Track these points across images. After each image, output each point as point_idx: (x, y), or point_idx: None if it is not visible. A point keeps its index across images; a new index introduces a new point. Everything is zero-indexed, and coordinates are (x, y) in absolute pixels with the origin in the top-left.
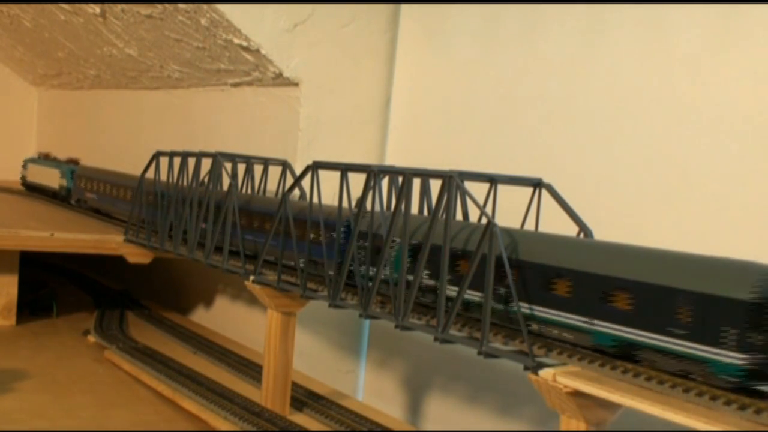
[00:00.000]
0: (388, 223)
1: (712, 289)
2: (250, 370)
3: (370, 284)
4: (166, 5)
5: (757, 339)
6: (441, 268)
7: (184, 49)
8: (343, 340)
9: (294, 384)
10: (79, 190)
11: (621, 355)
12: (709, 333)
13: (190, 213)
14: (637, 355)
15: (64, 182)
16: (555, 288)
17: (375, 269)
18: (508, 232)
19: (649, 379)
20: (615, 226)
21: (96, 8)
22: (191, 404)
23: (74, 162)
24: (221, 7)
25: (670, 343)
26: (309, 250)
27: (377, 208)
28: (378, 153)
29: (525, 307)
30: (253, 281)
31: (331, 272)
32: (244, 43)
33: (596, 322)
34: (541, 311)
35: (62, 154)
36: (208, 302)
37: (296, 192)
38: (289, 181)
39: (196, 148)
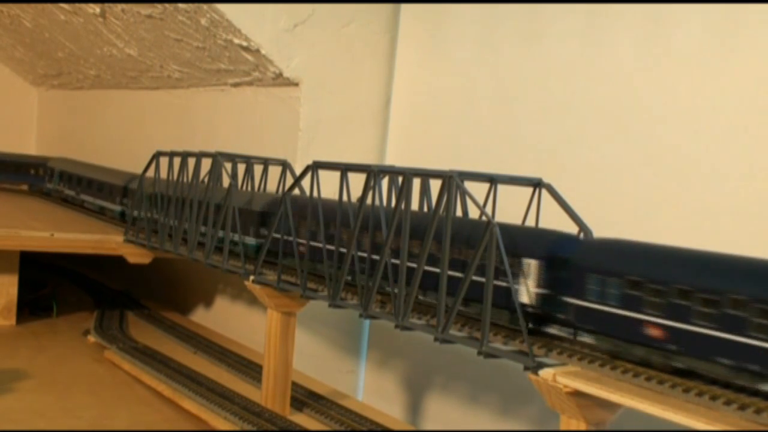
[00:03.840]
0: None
1: None
2: (250, 370)
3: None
4: (166, 5)
5: None
6: (441, 268)
7: (184, 49)
8: (343, 340)
9: (294, 384)
10: None
11: None
12: None
13: (190, 213)
14: None
15: None
16: None
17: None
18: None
19: (649, 379)
20: (615, 226)
21: (96, 8)
22: (191, 404)
23: None
24: (221, 7)
25: None
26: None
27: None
28: (378, 153)
29: None
30: (253, 281)
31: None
32: (244, 43)
33: None
34: None
35: (62, 154)
36: (208, 302)
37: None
38: (289, 181)
39: (195, 148)
